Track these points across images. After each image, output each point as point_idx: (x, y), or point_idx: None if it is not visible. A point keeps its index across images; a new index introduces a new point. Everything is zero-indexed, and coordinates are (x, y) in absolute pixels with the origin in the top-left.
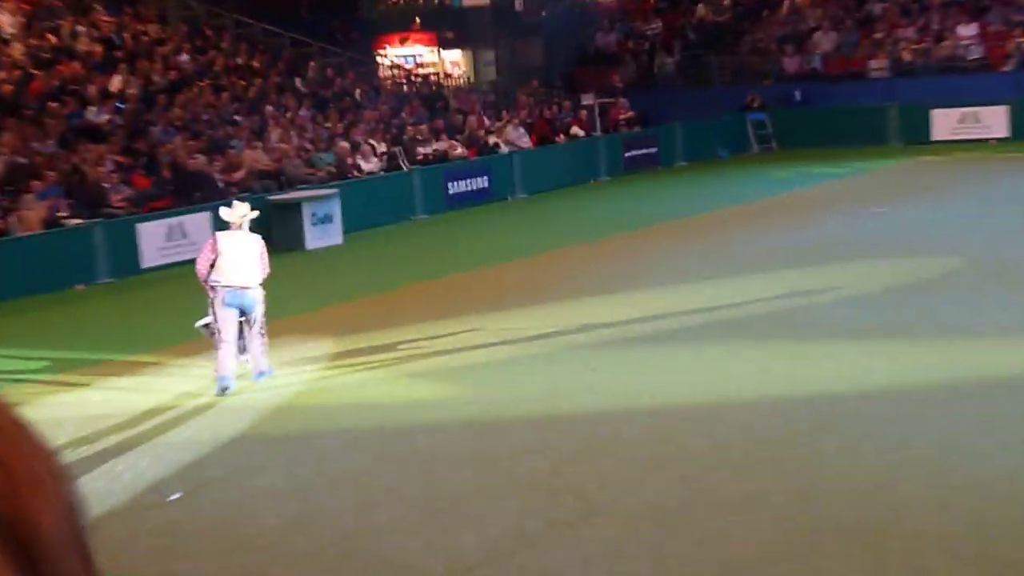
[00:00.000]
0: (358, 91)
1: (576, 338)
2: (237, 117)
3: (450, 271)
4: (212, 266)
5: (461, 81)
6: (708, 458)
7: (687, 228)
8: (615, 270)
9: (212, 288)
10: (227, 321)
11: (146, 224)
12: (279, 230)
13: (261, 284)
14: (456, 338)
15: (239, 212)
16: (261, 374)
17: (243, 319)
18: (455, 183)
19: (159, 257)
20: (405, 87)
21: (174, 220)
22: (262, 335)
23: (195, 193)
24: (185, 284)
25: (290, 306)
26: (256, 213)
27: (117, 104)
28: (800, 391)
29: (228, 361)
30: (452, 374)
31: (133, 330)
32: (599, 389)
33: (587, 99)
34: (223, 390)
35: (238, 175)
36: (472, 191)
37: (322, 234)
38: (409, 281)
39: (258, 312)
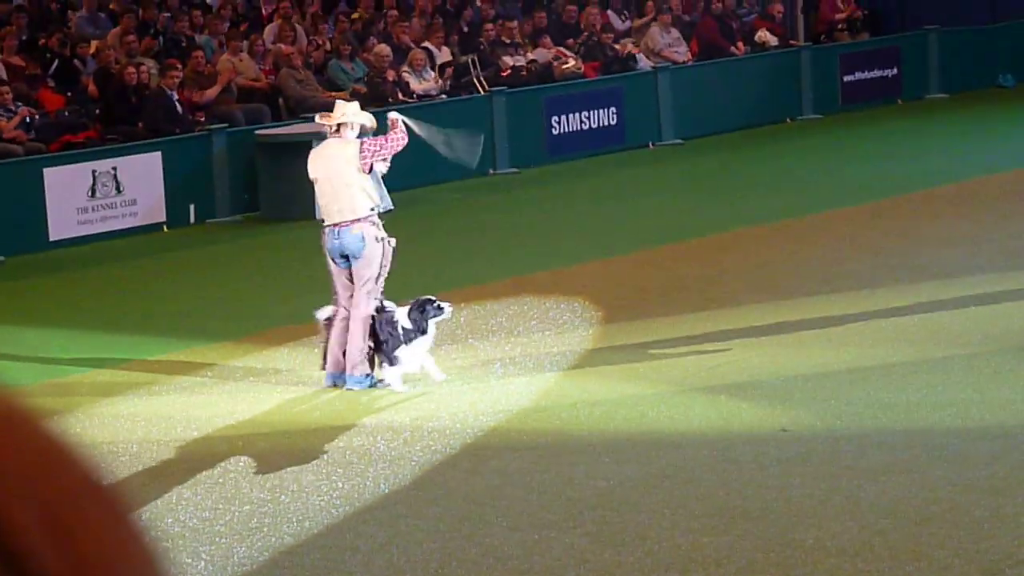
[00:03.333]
0: None
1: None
2: (210, 0)
3: (564, 262)
4: None
5: None
6: None
7: (949, 199)
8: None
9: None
10: (335, 281)
11: (57, 170)
12: (272, 186)
13: (370, 210)
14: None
15: (337, 113)
16: (347, 377)
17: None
18: (563, 117)
19: (76, 226)
20: None
21: (102, 164)
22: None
23: (138, 122)
24: (130, 268)
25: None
26: (367, 119)
27: None
28: None
29: (333, 346)
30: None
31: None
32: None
33: None
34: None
35: (209, 94)
36: (591, 130)
37: None
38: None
39: (363, 267)
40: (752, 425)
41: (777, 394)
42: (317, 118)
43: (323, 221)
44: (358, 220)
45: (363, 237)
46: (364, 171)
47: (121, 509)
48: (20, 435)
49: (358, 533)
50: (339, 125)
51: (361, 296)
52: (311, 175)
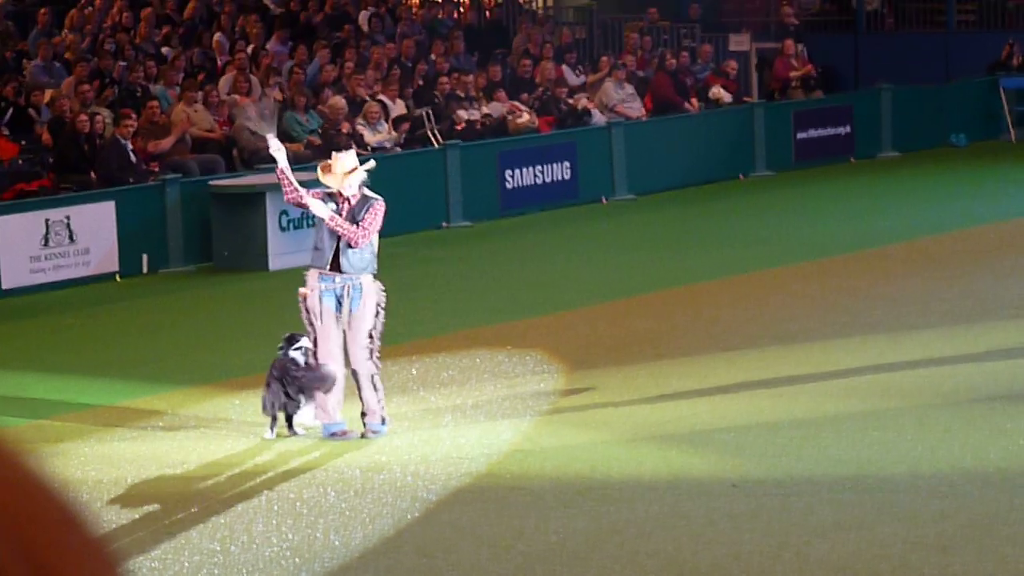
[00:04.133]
0: (364, 14)
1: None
2: (165, 49)
3: (507, 317)
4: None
5: (533, 5)
6: None
7: (901, 258)
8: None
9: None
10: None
11: (10, 218)
12: (226, 236)
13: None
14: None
15: (340, 166)
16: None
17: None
18: (516, 171)
19: (29, 274)
20: (441, 12)
21: (56, 213)
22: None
23: (91, 171)
24: (83, 316)
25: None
26: (370, 167)
27: None
28: None
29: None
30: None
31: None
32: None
33: (738, 42)
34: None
35: (163, 144)
36: (545, 184)
37: (294, 245)
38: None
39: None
40: (702, 480)
41: (728, 449)
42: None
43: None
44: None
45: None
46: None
47: (102, 548)
48: (2, 474)
49: None
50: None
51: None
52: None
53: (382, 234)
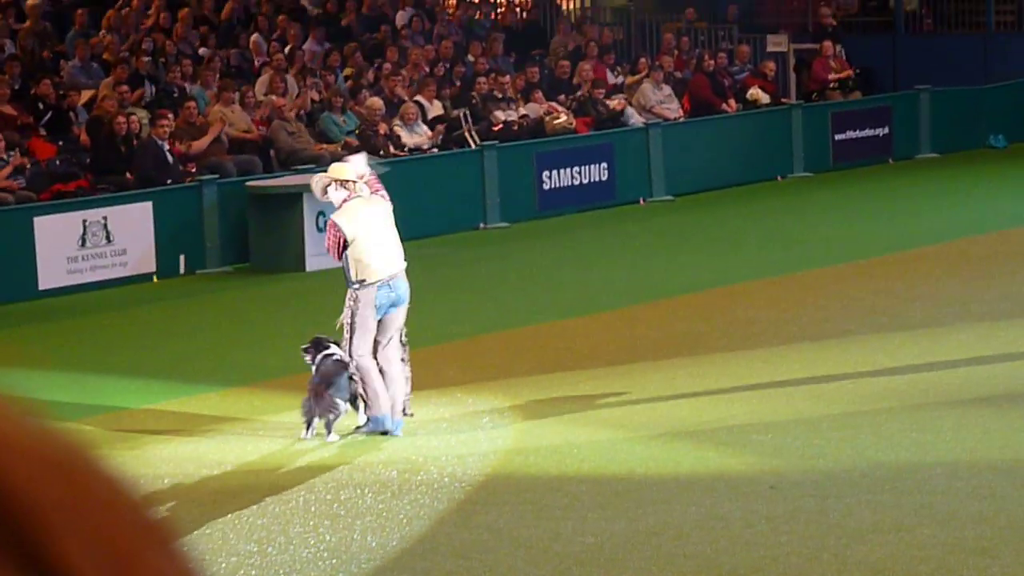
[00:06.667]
0: (402, 15)
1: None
2: (202, 50)
3: (548, 317)
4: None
5: (571, 6)
6: None
7: (939, 259)
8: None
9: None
10: (369, 332)
11: (48, 219)
12: (263, 237)
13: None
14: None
15: (357, 169)
16: (397, 422)
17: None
18: (554, 173)
19: (66, 275)
20: (478, 13)
21: (93, 213)
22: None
23: (127, 172)
24: (119, 317)
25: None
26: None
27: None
28: None
29: (382, 390)
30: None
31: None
32: None
33: (776, 43)
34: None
35: (199, 144)
36: (582, 185)
37: None
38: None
39: (403, 312)
40: (740, 481)
41: (765, 450)
42: (329, 186)
43: (363, 280)
44: (402, 268)
45: (407, 283)
46: None
47: (175, 546)
48: (73, 470)
49: None
50: (352, 183)
51: (400, 343)
52: (350, 235)
53: (419, 233)
